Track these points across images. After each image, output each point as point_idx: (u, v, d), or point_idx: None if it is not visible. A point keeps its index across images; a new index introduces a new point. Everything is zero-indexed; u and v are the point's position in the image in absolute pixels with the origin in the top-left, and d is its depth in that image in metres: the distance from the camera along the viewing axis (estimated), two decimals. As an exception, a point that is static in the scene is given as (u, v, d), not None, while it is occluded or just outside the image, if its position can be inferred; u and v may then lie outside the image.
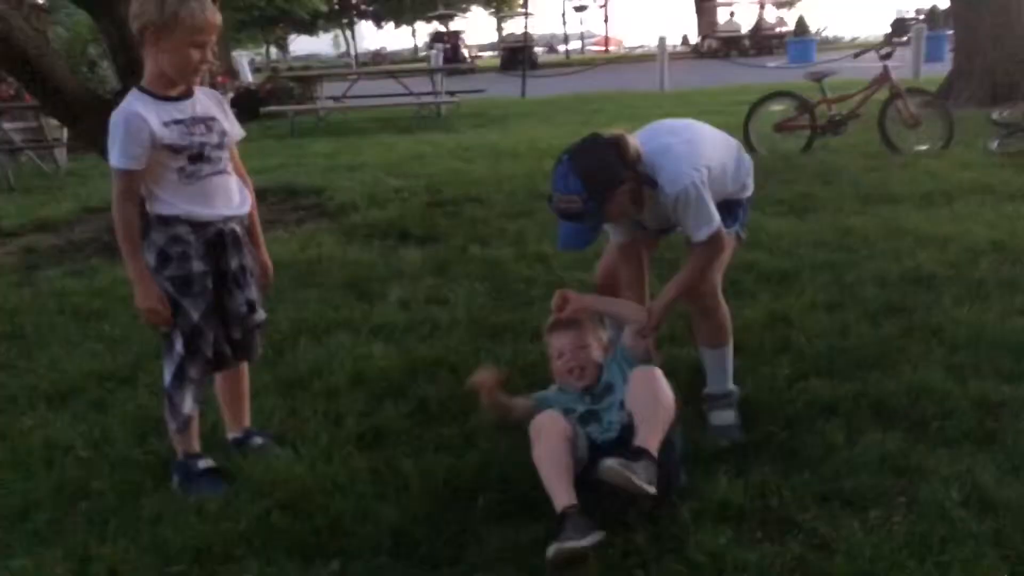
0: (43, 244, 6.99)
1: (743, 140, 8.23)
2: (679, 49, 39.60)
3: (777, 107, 8.22)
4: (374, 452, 3.05)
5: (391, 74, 14.56)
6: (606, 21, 59.26)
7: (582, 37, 54.17)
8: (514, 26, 47.83)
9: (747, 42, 31.26)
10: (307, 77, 15.30)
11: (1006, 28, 10.81)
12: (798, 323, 3.73)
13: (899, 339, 3.54)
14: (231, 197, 2.89)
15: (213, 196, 2.83)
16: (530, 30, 32.05)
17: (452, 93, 14.07)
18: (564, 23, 72.60)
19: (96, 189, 8.98)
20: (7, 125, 10.80)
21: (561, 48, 49.59)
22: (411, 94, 13.33)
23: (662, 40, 17.35)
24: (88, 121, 6.64)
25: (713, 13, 35.27)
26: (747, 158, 3.16)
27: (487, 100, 15.73)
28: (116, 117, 2.70)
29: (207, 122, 2.82)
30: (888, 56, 7.96)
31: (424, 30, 56.18)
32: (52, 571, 2.49)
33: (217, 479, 2.93)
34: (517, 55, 29.26)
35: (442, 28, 42.94)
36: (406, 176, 8.56)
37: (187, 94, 2.81)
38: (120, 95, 6.84)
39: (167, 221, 2.79)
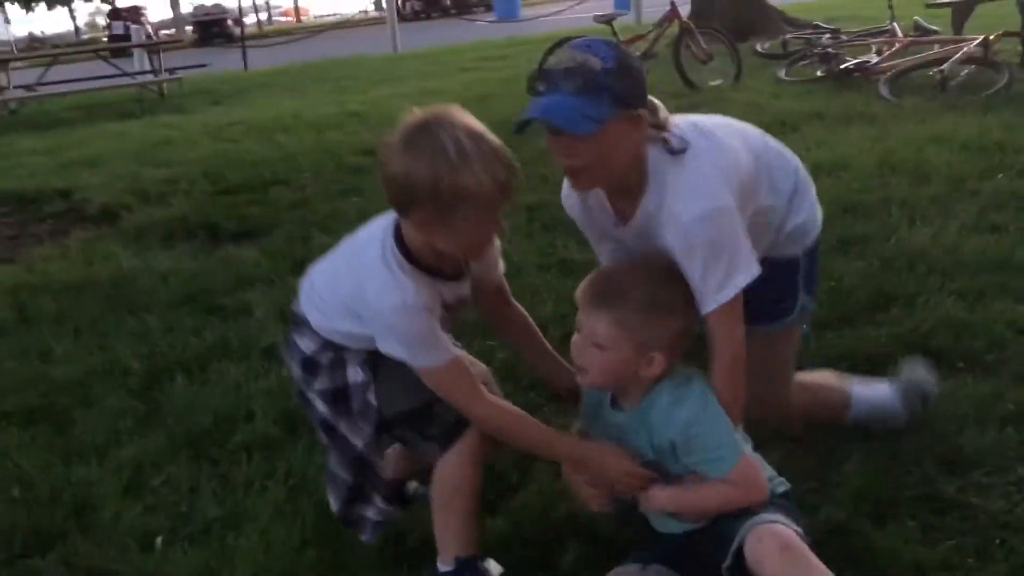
0: None
1: (538, 91, 7.90)
2: (372, 15, 38.79)
3: (569, 54, 7.90)
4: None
5: (98, 54, 12.62)
6: (291, -10, 56.83)
7: (268, 8, 51.68)
8: (194, -1, 44.37)
9: (448, 2, 31.22)
10: (-16, 65, 12.88)
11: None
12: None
13: (883, 273, 3.30)
14: None
15: None
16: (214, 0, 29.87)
17: (172, 70, 12.48)
18: (244, -6, 68.70)
19: None
20: None
21: (251, 19, 46.99)
22: (125, 74, 11.62)
23: (390, 2, 16.67)
24: None
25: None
26: (803, 175, 2.14)
27: (209, 76, 14.17)
28: (394, 317, 1.83)
29: (465, 302, 2.04)
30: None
31: (84, 10, 50.78)
32: None
33: None
34: (212, 28, 27.25)
35: (108, 5, 38.70)
36: (167, 165, 7.31)
37: (461, 269, 1.98)
38: None
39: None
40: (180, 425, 2.87)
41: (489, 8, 28.73)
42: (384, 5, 17.86)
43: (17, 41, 51.24)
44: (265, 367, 3.21)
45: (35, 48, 42.26)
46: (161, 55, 12.37)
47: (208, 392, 3.06)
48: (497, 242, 2.07)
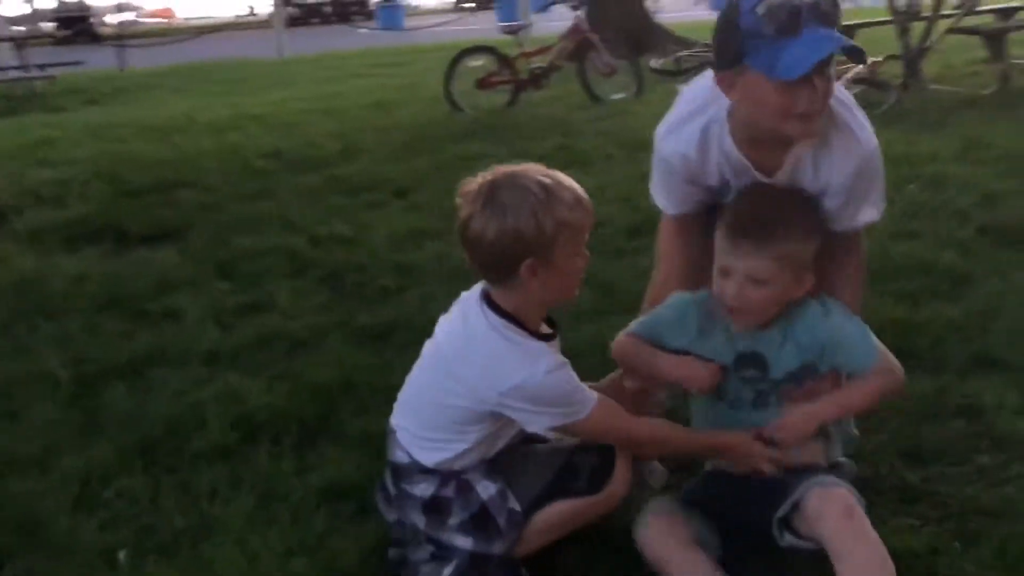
0: None
1: (445, 99, 7.90)
2: (247, 18, 37.89)
3: (476, 63, 7.93)
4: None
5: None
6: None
7: (133, 8, 49.53)
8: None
9: (329, 9, 30.74)
10: None
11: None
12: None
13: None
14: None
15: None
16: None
17: (43, 67, 11.78)
18: (104, -7, 65.60)
19: None
20: None
21: (116, 19, 44.97)
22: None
23: (279, 6, 16.30)
24: None
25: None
26: None
27: (82, 75, 13.45)
28: (546, 383, 1.78)
29: None
30: (578, 7, 8.04)
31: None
32: None
33: None
34: (76, 25, 25.95)
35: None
36: (53, 165, 6.88)
37: (553, 327, 1.96)
38: None
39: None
40: (126, 434, 2.70)
41: (369, 17, 28.45)
42: (257, 10, 17.44)
43: None
44: (209, 373, 3.07)
45: None
46: (28, 52, 11.66)
47: (152, 400, 2.90)
48: None
